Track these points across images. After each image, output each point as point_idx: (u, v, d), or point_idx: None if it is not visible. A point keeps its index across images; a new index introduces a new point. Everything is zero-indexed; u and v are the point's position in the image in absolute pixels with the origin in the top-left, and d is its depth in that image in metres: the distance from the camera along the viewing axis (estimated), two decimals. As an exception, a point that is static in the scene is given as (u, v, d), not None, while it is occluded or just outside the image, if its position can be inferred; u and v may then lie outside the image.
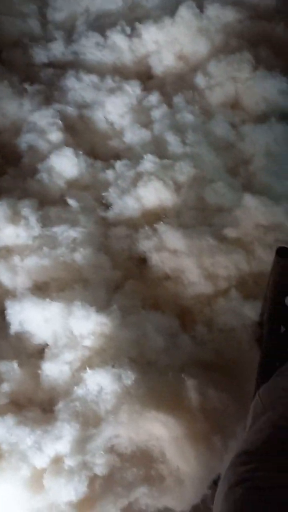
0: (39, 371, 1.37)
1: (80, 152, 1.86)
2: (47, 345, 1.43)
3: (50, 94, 2.06)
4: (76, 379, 1.33)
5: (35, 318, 1.44)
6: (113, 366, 1.31)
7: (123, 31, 2.22)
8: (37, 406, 1.35)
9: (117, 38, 2.20)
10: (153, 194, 1.73)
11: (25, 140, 1.92)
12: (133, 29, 2.25)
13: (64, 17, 2.43)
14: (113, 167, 1.87)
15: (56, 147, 1.88)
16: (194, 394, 1.27)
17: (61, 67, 2.21)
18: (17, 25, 2.39)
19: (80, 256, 1.58)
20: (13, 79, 2.11)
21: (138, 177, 1.78)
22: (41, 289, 1.55)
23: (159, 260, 1.59)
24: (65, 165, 1.83)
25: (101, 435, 1.21)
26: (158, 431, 1.23)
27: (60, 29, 2.37)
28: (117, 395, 1.27)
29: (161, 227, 1.64)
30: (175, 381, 1.30)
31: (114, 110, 2.02)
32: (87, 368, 1.30)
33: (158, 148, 1.91)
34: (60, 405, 1.28)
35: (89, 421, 1.23)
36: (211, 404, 1.26)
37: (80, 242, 1.61)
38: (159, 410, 1.24)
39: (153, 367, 1.37)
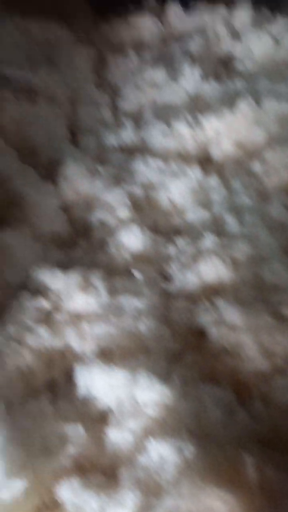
0: (103, 437, 1.45)
1: (145, 228, 2.04)
2: (111, 411, 1.52)
3: (120, 176, 2.28)
4: (138, 447, 1.39)
5: (101, 384, 1.54)
6: (174, 438, 1.36)
7: (186, 121, 2.46)
8: (100, 471, 1.41)
9: (181, 127, 2.44)
10: (212, 270, 1.85)
11: (96, 215, 2.13)
12: (195, 119, 2.49)
13: (133, 107, 2.73)
14: (174, 243, 2.02)
15: (123, 223, 2.07)
16: (253, 473, 1.30)
17: (130, 152, 2.46)
18: (91, 113, 2.71)
19: (143, 326, 1.69)
20: (87, 161, 2.36)
21: (198, 253, 1.92)
22: (106, 356, 1.66)
23: (217, 334, 1.68)
24: (131, 239, 2.00)
25: (162, 506, 1.25)
26: (217, 507, 1.26)
27: (129, 118, 2.65)
28: (178, 467, 1.31)
29: (220, 302, 1.74)
30: (234, 457, 1.34)
31: (177, 191, 2.21)
32: (150, 438, 1.36)
33: (217, 227, 2.06)
34: (124, 472, 1.34)
35: (151, 490, 1.28)
36: (270, 483, 1.28)
37: (144, 312, 1.73)
38: (219, 485, 1.27)
39: (211, 441, 1.41)
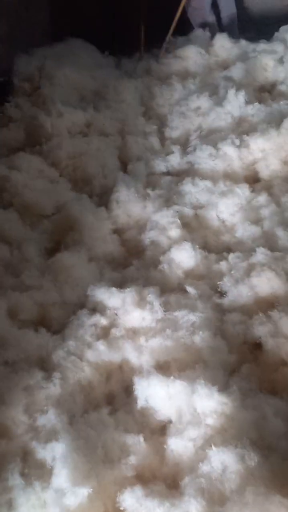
0: (164, 446, 1.46)
1: (196, 246, 2.09)
2: (170, 421, 1.53)
3: (169, 198, 2.37)
4: (199, 456, 1.40)
5: (160, 395, 1.56)
6: (236, 446, 1.36)
7: (232, 143, 2.53)
8: (162, 480, 1.42)
9: (228, 149, 2.51)
10: (266, 283, 1.86)
11: (149, 236, 2.21)
12: (241, 140, 2.55)
13: (179, 133, 2.84)
14: (226, 259, 2.06)
15: (175, 242, 2.13)
16: None
17: (178, 175, 2.56)
18: (139, 142, 2.85)
19: (199, 338, 1.71)
20: (137, 186, 2.47)
21: (251, 267, 1.93)
22: (163, 368, 1.69)
23: (275, 346, 1.67)
24: (183, 257, 2.05)
25: (227, 514, 1.24)
26: (283, 516, 1.23)
27: (176, 144, 2.76)
28: (241, 475, 1.30)
29: (275, 314, 1.74)
30: (298, 468, 1.31)
31: (226, 209, 2.25)
32: (212, 446, 1.36)
33: (268, 242, 2.07)
34: (186, 480, 1.34)
35: (215, 498, 1.27)
36: None
37: (199, 326, 1.76)
38: (283, 494, 1.25)
39: (273, 450, 1.39)
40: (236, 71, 3.18)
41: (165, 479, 1.43)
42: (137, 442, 1.50)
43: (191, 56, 3.41)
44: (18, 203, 2.47)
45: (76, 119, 2.93)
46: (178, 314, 1.80)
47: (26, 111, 2.97)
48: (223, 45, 3.47)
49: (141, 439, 1.50)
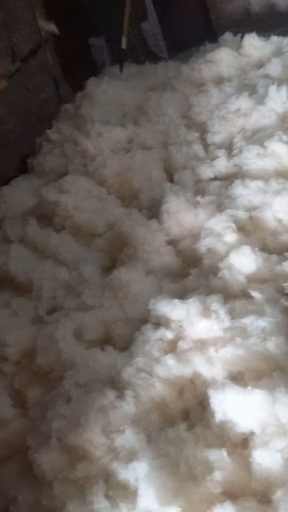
0: (250, 460, 1.40)
1: (256, 249, 2.02)
2: (253, 433, 1.47)
3: (221, 203, 2.32)
4: (289, 468, 1.32)
5: (238, 407, 1.50)
6: None
7: (280, 140, 2.45)
8: (251, 495, 1.36)
9: (276, 146, 2.43)
10: None
11: (204, 244, 2.16)
12: (289, 136, 2.47)
13: (223, 138, 2.78)
14: (288, 259, 1.97)
15: (233, 246, 2.07)
16: None
17: (226, 179, 2.50)
18: (183, 151, 2.82)
19: (272, 345, 1.64)
20: (187, 195, 2.44)
21: None
22: (237, 379, 1.63)
23: None
24: (244, 261, 1.99)
25: None
26: None
27: (220, 148, 2.71)
28: None
29: None
30: None
31: (281, 208, 2.17)
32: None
33: None
34: (279, 494, 1.27)
35: (313, 514, 1.20)
36: None
37: (270, 331, 1.69)
38: None
39: None
40: (273, 68, 3.09)
41: (255, 494, 1.36)
42: (220, 457, 1.45)
43: (223, 59, 3.36)
44: (70, 225, 2.51)
45: (117, 137, 2.96)
46: (246, 321, 1.74)
47: (67, 135, 3.03)
48: (254, 44, 3.39)
49: (224, 453, 1.45)
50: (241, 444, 1.48)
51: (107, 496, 1.45)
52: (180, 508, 1.33)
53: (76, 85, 3.43)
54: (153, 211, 2.52)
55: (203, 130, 2.91)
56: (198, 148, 2.80)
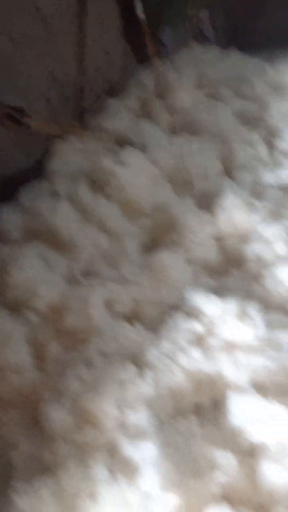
0: (257, 471, 1.39)
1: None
2: (265, 445, 1.45)
3: (278, 212, 2.27)
4: (297, 489, 1.31)
5: (257, 416, 1.49)
6: None
7: None
8: (250, 506, 1.35)
9: None
10: None
11: (252, 247, 2.13)
12: None
13: (292, 146, 2.72)
14: None
15: (281, 258, 2.04)
16: None
17: (286, 190, 2.45)
18: (245, 150, 2.76)
19: (303, 364, 1.62)
20: (243, 195, 2.40)
21: None
22: (259, 389, 1.61)
23: None
24: (289, 276, 1.95)
25: None
26: None
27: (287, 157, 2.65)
28: None
29: None
30: None
31: None
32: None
33: None
34: (281, 511, 1.26)
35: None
36: None
37: (304, 352, 1.66)
38: None
39: None
40: None
41: (252, 504, 1.35)
42: (226, 460, 1.44)
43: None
44: (120, 198, 2.47)
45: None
46: (282, 335, 1.71)
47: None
48: None
49: (231, 457, 1.44)
50: (250, 453, 1.47)
51: (108, 468, 1.45)
52: (179, 499, 1.33)
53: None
54: (202, 201, 2.47)
55: (273, 135, 2.85)
56: (263, 151, 2.74)
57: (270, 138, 2.84)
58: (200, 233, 2.26)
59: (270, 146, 2.80)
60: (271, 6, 4.00)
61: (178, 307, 1.94)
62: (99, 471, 1.43)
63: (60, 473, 1.43)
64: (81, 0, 2.87)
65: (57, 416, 1.56)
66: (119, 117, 3.01)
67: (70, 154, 2.77)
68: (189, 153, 2.72)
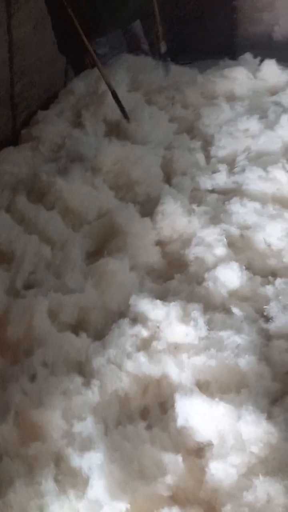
0: (205, 469, 1.41)
1: (243, 267, 2.05)
2: (210, 443, 1.48)
3: (216, 215, 2.34)
4: (242, 483, 1.35)
5: (201, 416, 1.52)
6: (283, 478, 1.31)
7: (283, 168, 2.51)
8: (198, 504, 1.37)
9: (278, 173, 2.48)
10: None
11: (193, 251, 2.18)
12: (292, 166, 2.53)
13: (226, 153, 2.82)
14: (272, 283, 2.01)
15: (221, 260, 2.10)
16: None
17: (224, 194, 2.53)
18: (185, 157, 2.84)
19: (244, 362, 1.67)
20: (183, 200, 2.45)
21: (299, 295, 1.89)
22: (203, 388, 1.65)
23: None
24: (229, 277, 2.01)
25: None
26: None
27: (223, 163, 2.74)
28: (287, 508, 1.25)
29: None
30: None
31: (273, 233, 2.21)
32: (260, 475, 1.32)
33: None
34: (229, 507, 1.29)
35: (259, 530, 1.22)
36: None
37: (244, 349, 1.72)
38: None
39: None
40: (286, 97, 3.18)
41: (201, 503, 1.38)
42: (174, 462, 1.45)
43: (238, 77, 3.41)
44: (61, 206, 2.46)
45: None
46: (223, 334, 1.76)
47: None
48: (272, 70, 3.47)
49: (179, 459, 1.45)
50: (196, 452, 1.50)
51: (56, 480, 1.42)
52: (128, 504, 1.33)
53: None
54: (146, 207, 2.51)
55: (207, 142, 2.94)
56: (200, 158, 2.82)
57: (205, 145, 2.93)
58: (143, 240, 2.28)
59: (207, 152, 2.88)
60: (206, 18, 4.14)
61: (124, 313, 1.96)
62: (47, 484, 1.40)
63: (7, 491, 1.39)
64: (10, 11, 2.84)
65: (1, 432, 1.51)
66: (54, 126, 3.00)
67: (6, 165, 2.73)
68: (130, 160, 2.75)
